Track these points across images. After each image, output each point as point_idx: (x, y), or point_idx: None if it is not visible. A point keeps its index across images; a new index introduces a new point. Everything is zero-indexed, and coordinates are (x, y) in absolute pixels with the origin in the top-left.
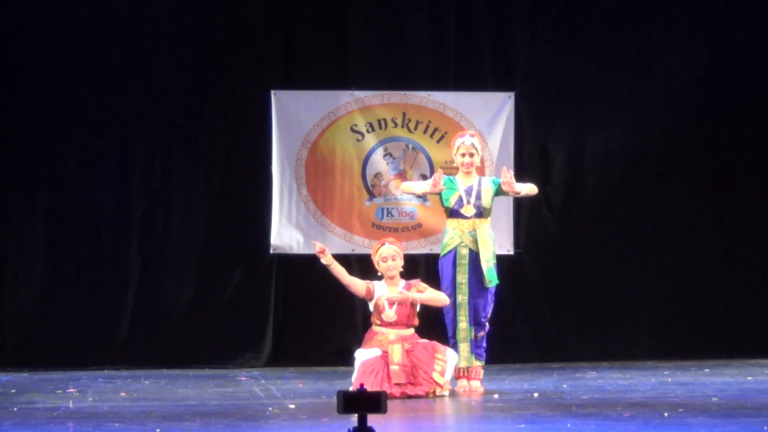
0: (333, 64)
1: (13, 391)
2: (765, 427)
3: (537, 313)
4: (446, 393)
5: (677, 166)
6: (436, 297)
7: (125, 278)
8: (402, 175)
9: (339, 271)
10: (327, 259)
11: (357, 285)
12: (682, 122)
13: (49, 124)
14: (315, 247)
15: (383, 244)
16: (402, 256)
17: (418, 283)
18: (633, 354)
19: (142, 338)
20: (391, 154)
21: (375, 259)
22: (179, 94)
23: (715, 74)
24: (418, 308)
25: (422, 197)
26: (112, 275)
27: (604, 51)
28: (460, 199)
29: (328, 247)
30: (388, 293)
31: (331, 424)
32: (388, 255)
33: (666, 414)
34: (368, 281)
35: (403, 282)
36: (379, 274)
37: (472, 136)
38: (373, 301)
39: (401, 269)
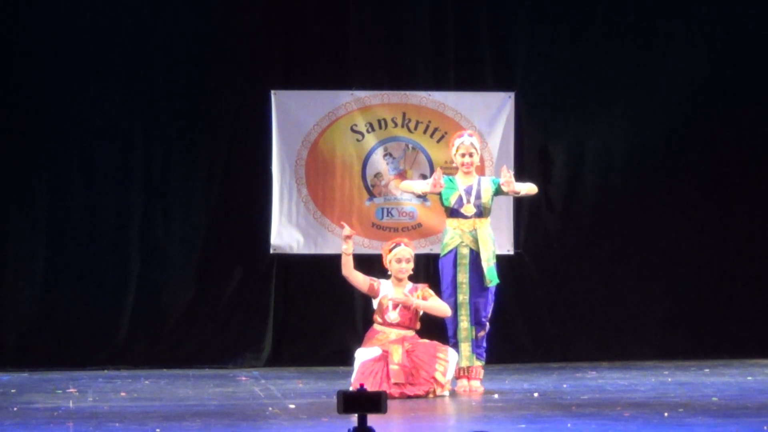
0: (333, 64)
1: (13, 391)
2: (765, 427)
3: (537, 313)
4: (446, 393)
5: (677, 166)
6: (440, 307)
7: (125, 278)
8: (402, 175)
9: (348, 261)
10: (349, 248)
11: (360, 280)
12: (682, 122)
13: (49, 124)
14: (344, 230)
15: (398, 245)
16: (414, 260)
17: (425, 288)
18: (633, 354)
19: (142, 338)
20: (391, 154)
21: (388, 258)
22: (179, 94)
23: (715, 74)
24: (421, 313)
25: (422, 197)
26: (112, 275)
27: (604, 51)
28: (460, 199)
29: (328, 247)
30: (394, 294)
31: (331, 424)
32: (403, 257)
33: (666, 414)
34: (373, 278)
35: (410, 285)
36: (389, 273)
37: (471, 135)
38: (377, 300)
39: (411, 272)
